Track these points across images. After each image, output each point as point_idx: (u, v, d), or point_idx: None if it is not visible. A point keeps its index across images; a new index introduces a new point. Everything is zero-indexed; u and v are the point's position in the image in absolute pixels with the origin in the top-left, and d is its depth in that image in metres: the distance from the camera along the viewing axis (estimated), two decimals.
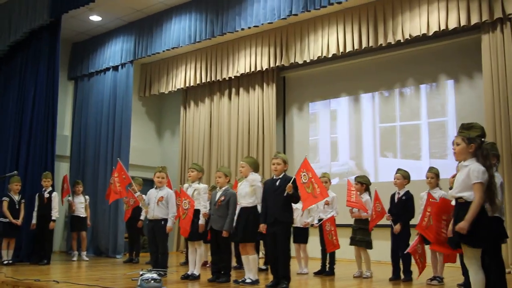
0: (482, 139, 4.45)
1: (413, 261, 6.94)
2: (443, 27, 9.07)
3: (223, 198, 6.77)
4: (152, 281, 5.64)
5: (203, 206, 7.17)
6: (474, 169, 4.34)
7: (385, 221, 7.49)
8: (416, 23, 9.37)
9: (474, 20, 8.76)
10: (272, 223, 6.22)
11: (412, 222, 7.28)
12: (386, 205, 7.57)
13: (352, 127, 11.41)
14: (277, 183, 6.30)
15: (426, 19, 9.24)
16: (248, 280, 6.43)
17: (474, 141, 4.44)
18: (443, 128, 10.21)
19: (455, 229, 4.37)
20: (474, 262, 4.33)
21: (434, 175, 7.10)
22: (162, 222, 7.15)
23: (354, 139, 11.34)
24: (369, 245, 7.66)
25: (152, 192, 7.36)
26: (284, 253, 6.21)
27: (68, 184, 10.48)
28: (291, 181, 6.20)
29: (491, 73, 8.82)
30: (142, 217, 9.63)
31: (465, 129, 4.53)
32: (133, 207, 9.74)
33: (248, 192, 6.54)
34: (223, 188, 6.88)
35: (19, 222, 9.19)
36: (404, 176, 7.47)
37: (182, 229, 7.05)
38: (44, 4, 10.37)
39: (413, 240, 6.80)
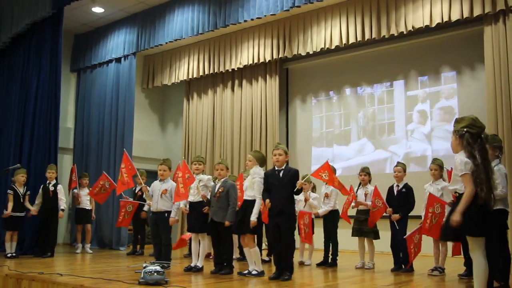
0: (466, 129, 4.44)
1: None
2: (446, 18, 9.03)
3: (221, 189, 6.79)
4: (155, 274, 5.65)
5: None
6: (457, 162, 4.42)
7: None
8: (419, 15, 9.34)
9: (477, 11, 8.72)
10: (275, 214, 6.25)
11: (412, 213, 7.37)
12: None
13: (353, 119, 11.42)
14: (281, 175, 6.33)
15: (429, 11, 9.21)
16: (254, 272, 6.48)
17: (458, 132, 4.48)
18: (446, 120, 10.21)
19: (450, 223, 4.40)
20: (478, 252, 4.34)
21: (437, 166, 7.13)
22: (166, 215, 7.19)
23: (356, 131, 11.34)
24: (376, 236, 7.69)
25: (156, 184, 7.38)
26: (288, 244, 6.25)
27: (76, 175, 10.50)
28: (305, 179, 6.61)
29: (493, 65, 8.79)
30: (145, 208, 9.64)
31: (456, 122, 4.58)
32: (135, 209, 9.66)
33: (248, 185, 6.55)
34: (222, 180, 6.90)
35: (35, 211, 9.30)
36: (404, 169, 7.54)
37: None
38: None
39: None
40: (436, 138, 10.23)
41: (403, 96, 10.80)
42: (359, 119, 11.35)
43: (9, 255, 8.92)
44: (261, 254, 7.13)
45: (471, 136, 4.41)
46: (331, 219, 8.01)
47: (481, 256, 4.32)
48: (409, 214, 7.36)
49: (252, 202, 6.48)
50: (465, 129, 4.45)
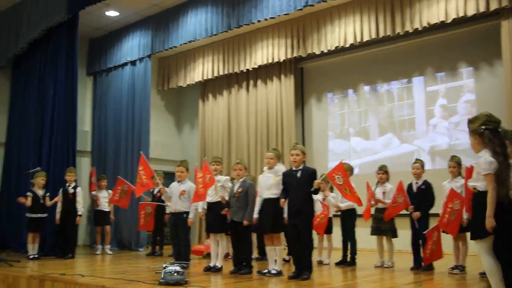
0: (484, 126, 4.42)
1: None
2: (461, 14, 8.95)
3: (241, 189, 6.81)
4: (175, 274, 5.70)
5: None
6: (481, 161, 4.37)
7: (404, 210, 7.47)
8: (434, 11, 9.26)
9: (493, 6, 8.62)
10: (294, 214, 6.25)
11: (434, 211, 7.30)
12: None
13: (373, 115, 11.39)
14: (298, 175, 6.32)
15: (444, 6, 9.12)
16: (273, 271, 6.48)
17: (476, 132, 4.45)
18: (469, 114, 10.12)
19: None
20: (484, 252, 4.34)
21: (456, 164, 7.06)
22: (184, 215, 7.25)
23: (376, 127, 11.30)
24: (394, 234, 7.66)
25: (174, 185, 7.44)
26: (307, 244, 6.25)
27: (95, 178, 10.60)
28: (322, 178, 6.63)
29: (511, 59, 8.70)
30: (168, 211, 9.68)
31: (470, 122, 4.55)
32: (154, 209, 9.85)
33: (273, 183, 6.54)
34: (241, 180, 6.92)
35: (59, 198, 9.48)
36: (422, 166, 7.48)
37: None
38: (62, 1, 10.46)
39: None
40: (460, 132, 10.08)
41: (423, 92, 10.71)
42: (378, 115, 11.29)
43: (31, 256, 9.02)
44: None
45: (490, 132, 4.39)
46: (348, 218, 7.99)
47: (488, 255, 4.30)
48: (431, 212, 7.30)
49: (279, 200, 6.47)
50: (483, 127, 4.42)
